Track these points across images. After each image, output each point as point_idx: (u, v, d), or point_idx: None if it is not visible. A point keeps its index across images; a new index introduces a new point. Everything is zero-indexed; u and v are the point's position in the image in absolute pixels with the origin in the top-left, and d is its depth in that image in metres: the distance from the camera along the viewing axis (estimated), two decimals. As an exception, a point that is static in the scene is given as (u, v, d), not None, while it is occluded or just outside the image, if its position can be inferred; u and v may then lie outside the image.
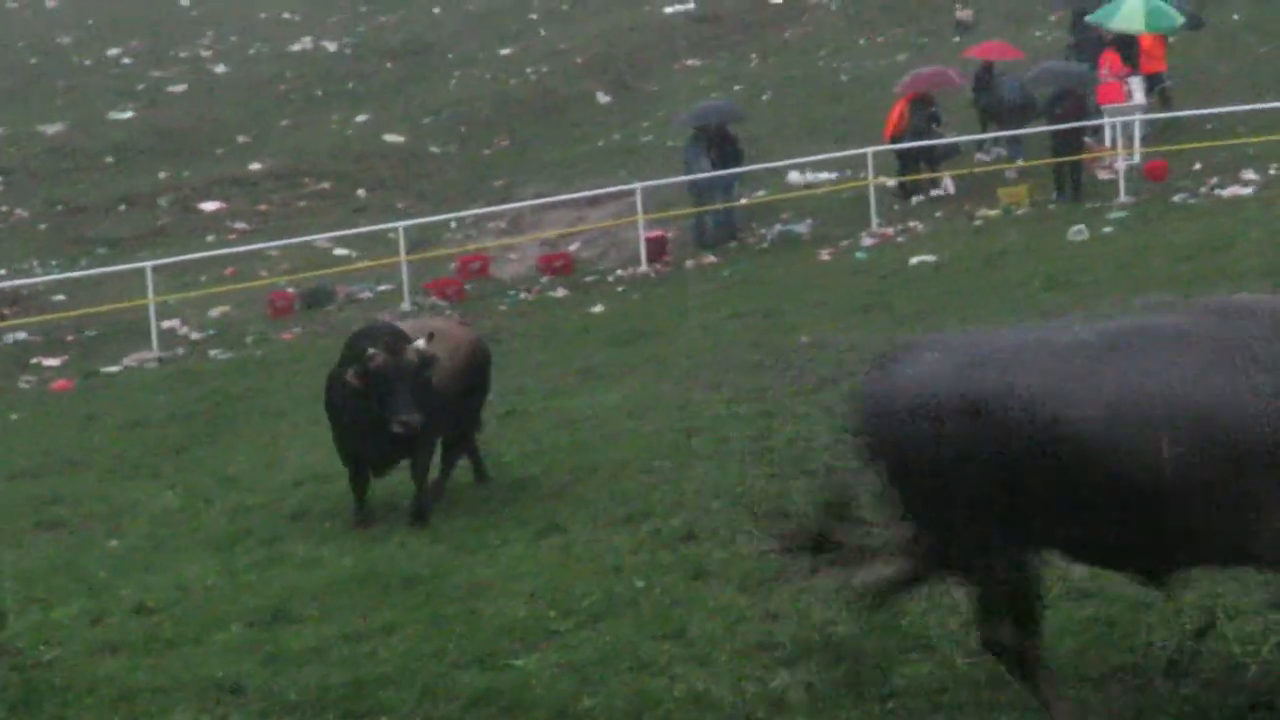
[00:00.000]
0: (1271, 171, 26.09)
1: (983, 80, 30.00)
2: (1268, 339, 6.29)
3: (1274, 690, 6.74)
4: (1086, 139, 27.67)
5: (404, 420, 11.39)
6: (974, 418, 6.30)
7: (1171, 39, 31.18)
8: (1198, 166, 27.00)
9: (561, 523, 11.16)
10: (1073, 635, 7.71)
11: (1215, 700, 6.75)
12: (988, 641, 6.93)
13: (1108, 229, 23.35)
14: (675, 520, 10.76)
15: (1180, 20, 30.56)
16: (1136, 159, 27.20)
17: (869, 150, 27.97)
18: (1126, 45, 29.71)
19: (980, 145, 30.33)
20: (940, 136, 28.95)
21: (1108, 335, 6.62)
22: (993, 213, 26.47)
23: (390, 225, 27.92)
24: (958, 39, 37.92)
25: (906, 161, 28.88)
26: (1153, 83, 29.92)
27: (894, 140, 28.74)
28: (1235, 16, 35.52)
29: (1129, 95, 29.11)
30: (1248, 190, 25.24)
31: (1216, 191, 25.39)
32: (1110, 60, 29.52)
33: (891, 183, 28.86)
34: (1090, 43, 32.13)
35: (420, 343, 11.88)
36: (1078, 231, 23.23)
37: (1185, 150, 27.52)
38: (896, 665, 7.57)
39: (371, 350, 11.61)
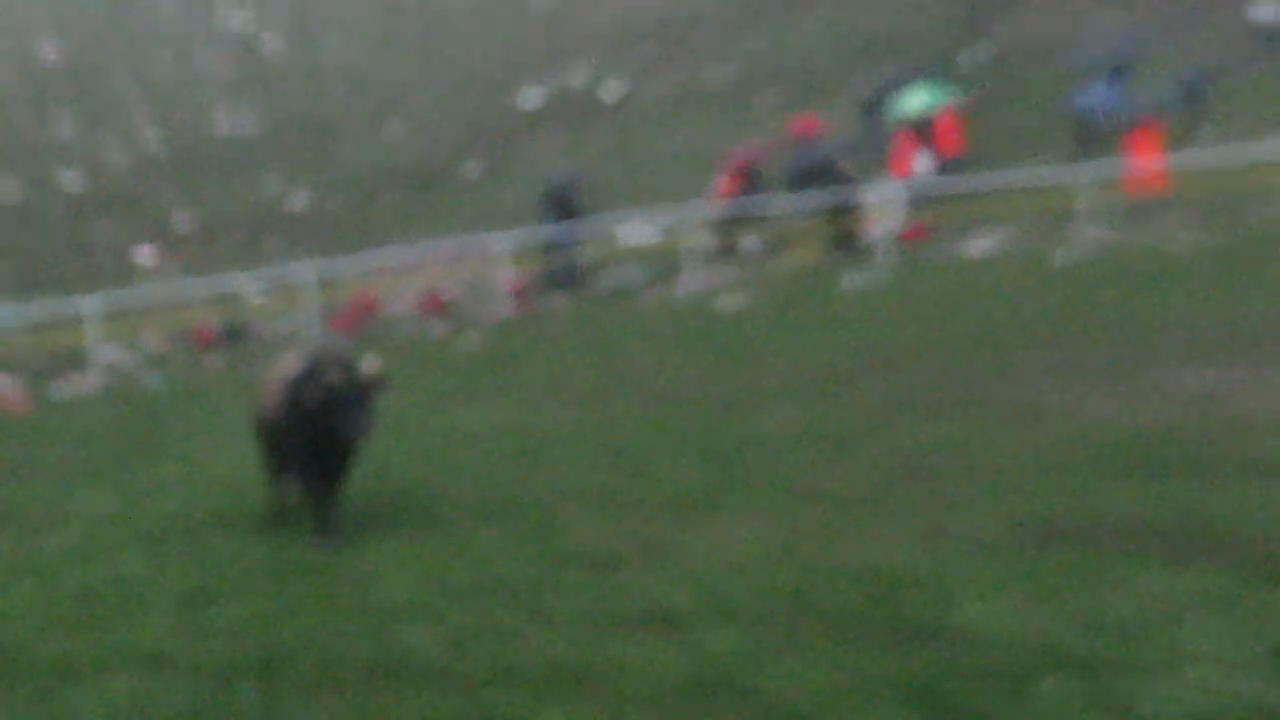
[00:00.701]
0: (1008, 232, 26.66)
1: (791, 152, 30.45)
2: None
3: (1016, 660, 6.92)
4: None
5: (362, 434, 10.58)
6: None
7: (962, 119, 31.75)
8: (949, 229, 27.53)
9: (440, 518, 11.08)
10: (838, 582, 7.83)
11: (966, 671, 6.90)
12: None
13: (876, 281, 23.71)
14: (535, 515, 10.76)
15: (956, 94, 31.16)
16: (900, 223, 27.58)
17: (690, 212, 28.23)
18: (921, 127, 30.15)
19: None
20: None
21: None
22: (786, 266, 26.76)
23: (298, 268, 27.75)
24: (760, 122, 38.34)
25: (730, 223, 29.13)
26: (950, 164, 30.27)
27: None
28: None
29: (916, 169, 29.60)
30: (987, 250, 25.79)
31: (963, 251, 25.91)
32: (903, 139, 30.01)
33: (711, 241, 29.07)
34: (877, 126, 32.74)
35: (370, 363, 10.88)
36: (852, 282, 23.56)
37: (941, 213, 28.05)
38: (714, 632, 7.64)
39: (328, 370, 10.59)
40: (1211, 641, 6.80)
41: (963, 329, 18.26)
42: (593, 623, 8.15)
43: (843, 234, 27.39)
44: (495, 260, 28.32)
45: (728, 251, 28.79)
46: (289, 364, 11.26)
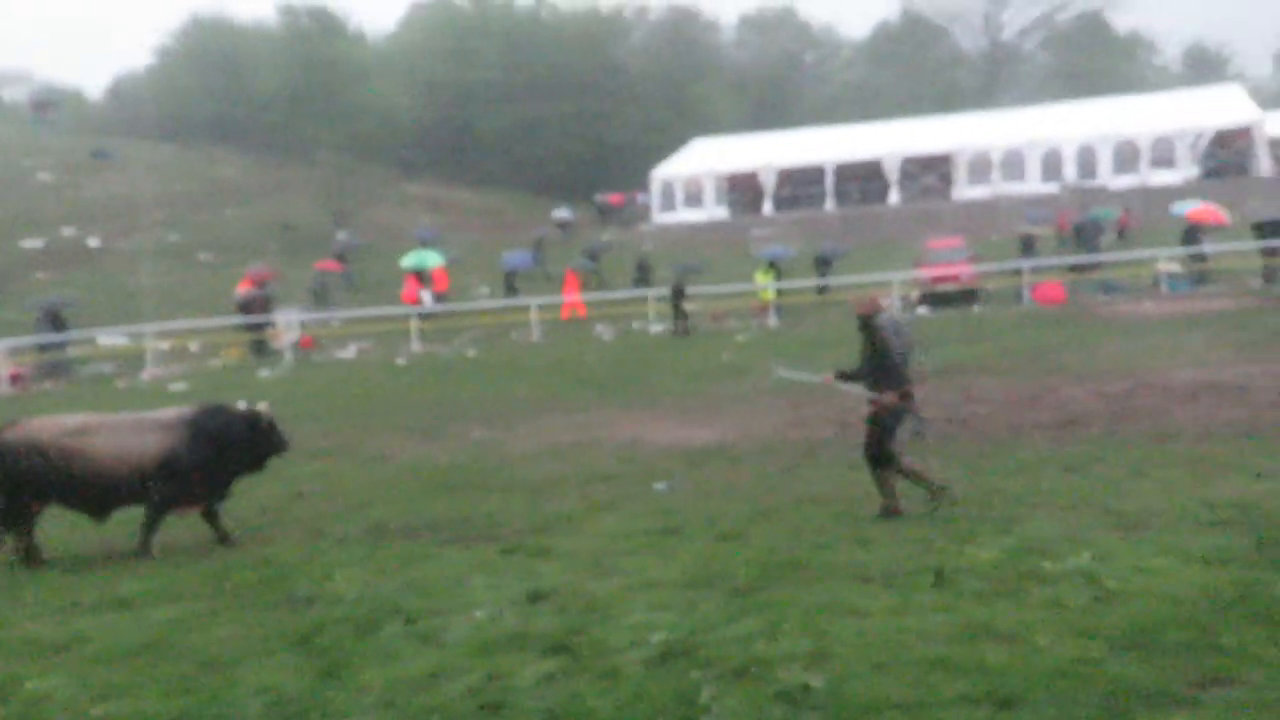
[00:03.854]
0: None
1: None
2: None
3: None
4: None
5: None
6: None
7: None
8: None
9: None
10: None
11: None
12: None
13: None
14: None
15: (447, 256, 31.50)
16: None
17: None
18: (422, 273, 29.59)
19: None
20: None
21: None
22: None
23: None
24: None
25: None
26: (441, 297, 29.90)
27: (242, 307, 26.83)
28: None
29: (422, 301, 28.93)
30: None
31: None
32: (410, 282, 29.38)
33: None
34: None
35: (264, 406, 9.14)
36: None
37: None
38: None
39: (262, 409, 9.05)
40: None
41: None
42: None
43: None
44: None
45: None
46: (162, 418, 8.69)
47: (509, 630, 6.11)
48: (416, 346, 25.68)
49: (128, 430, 8.59)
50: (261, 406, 9.15)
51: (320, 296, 29.76)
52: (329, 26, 48.87)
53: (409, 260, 30.14)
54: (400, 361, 23.50)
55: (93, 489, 8.43)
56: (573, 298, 28.92)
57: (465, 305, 29.79)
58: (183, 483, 8.56)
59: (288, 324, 26.51)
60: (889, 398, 8.02)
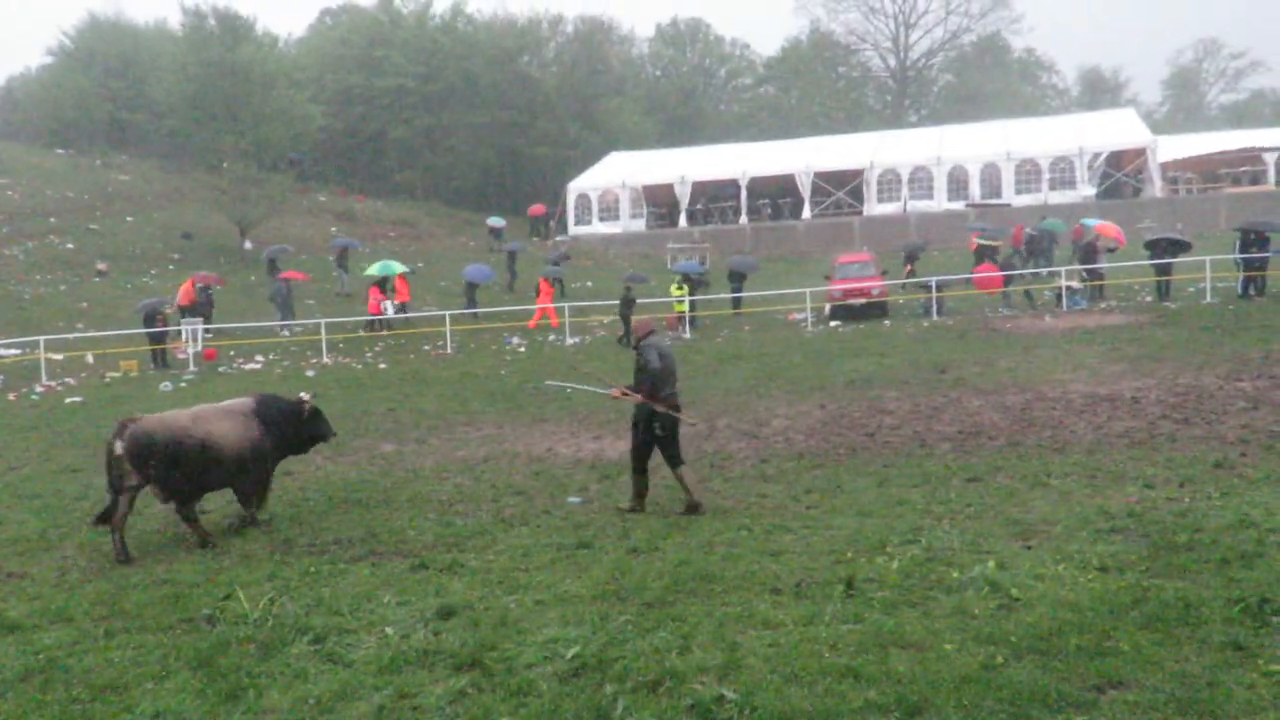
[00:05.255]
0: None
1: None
2: None
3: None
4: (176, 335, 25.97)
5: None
6: None
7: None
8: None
9: None
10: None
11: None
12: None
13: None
14: None
15: (408, 266, 31.41)
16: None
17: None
18: (384, 282, 29.14)
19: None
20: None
21: None
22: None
23: None
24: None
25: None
26: (402, 307, 29.35)
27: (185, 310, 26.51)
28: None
29: (385, 309, 28.73)
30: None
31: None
32: (374, 292, 29.02)
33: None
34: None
35: (306, 396, 10.32)
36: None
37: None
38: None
39: (306, 396, 10.23)
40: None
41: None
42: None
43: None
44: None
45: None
46: (230, 408, 9.62)
47: (419, 647, 6.03)
48: (326, 359, 25.18)
49: (227, 418, 9.36)
50: (304, 395, 10.20)
51: (284, 306, 28.97)
52: (235, 30, 47.41)
53: (374, 269, 29.83)
54: (309, 374, 23.00)
55: (212, 472, 9.08)
56: (546, 305, 29.22)
57: (422, 314, 29.70)
58: (266, 464, 9.65)
59: (191, 334, 25.76)
60: (635, 397, 9.32)
